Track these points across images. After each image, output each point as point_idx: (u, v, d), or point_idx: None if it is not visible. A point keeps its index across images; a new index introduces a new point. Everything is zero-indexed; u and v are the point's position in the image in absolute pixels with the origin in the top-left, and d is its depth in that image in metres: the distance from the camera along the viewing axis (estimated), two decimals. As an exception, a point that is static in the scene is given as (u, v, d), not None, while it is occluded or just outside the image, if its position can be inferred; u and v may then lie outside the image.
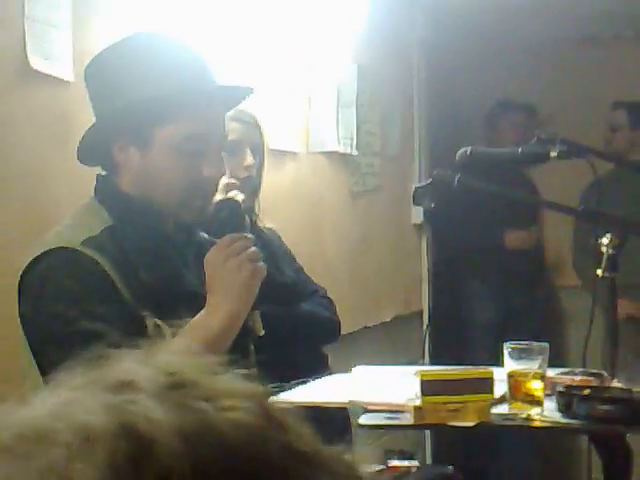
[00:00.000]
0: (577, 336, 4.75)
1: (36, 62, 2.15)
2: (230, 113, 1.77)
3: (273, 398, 1.78)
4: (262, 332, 1.58)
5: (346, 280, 3.49)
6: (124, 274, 1.46)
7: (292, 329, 2.20)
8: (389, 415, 1.40)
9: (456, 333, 4.40)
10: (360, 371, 1.87)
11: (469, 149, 2.03)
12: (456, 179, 1.93)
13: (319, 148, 3.46)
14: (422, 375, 1.41)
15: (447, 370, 1.45)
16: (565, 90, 4.96)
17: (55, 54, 2.21)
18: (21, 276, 1.51)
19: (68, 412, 0.38)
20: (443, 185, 1.96)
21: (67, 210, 2.22)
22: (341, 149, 3.56)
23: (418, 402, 1.35)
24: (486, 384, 1.36)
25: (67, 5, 2.25)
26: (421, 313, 4.35)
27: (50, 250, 1.48)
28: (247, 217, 1.65)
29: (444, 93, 4.52)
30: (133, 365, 0.44)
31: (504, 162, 2.10)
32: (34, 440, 0.36)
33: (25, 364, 1.53)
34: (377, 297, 3.85)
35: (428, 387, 1.36)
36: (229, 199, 1.57)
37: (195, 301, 1.50)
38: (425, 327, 4.32)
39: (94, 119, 1.60)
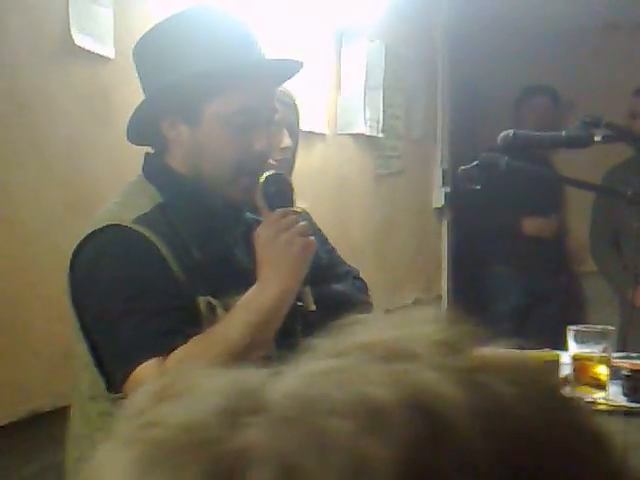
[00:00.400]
0: (598, 321, 4.78)
1: (79, 39, 2.15)
2: None
3: None
4: (313, 307, 1.57)
5: (370, 262, 3.49)
6: (176, 252, 1.45)
7: (325, 310, 2.21)
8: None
9: (476, 318, 4.40)
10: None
11: (511, 132, 2.03)
12: (504, 161, 1.93)
13: (347, 130, 3.46)
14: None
15: (510, 353, 1.45)
16: (587, 76, 4.94)
17: (97, 31, 2.21)
18: (72, 255, 1.50)
19: (344, 380, 0.34)
20: (490, 167, 1.95)
21: (107, 188, 2.24)
22: (367, 131, 3.55)
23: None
24: (552, 367, 1.35)
25: (109, -18, 2.25)
26: (441, 297, 4.35)
27: (102, 228, 1.47)
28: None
29: (467, 78, 4.51)
30: (398, 331, 0.40)
31: (547, 146, 2.08)
32: (311, 411, 0.32)
33: (76, 347, 1.52)
34: (399, 280, 3.85)
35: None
36: (277, 174, 1.55)
37: (245, 279, 1.50)
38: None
39: (143, 97, 1.59)
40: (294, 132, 2.31)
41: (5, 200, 1.99)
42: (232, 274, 1.53)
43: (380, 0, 3.50)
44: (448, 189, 4.33)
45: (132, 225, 1.46)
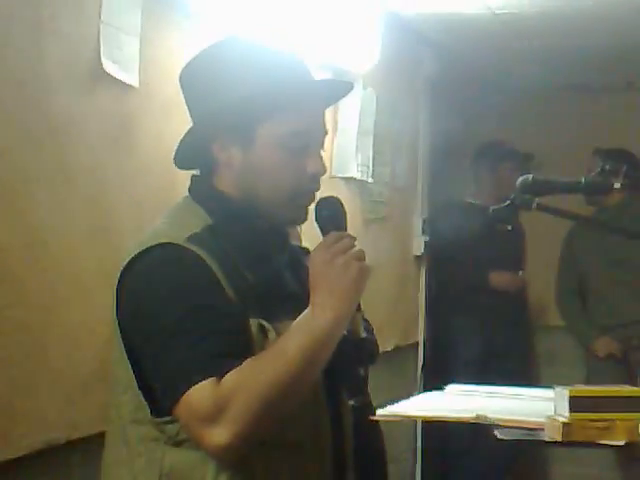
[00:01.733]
0: (559, 375, 4.86)
1: (108, 65, 2.13)
2: None
3: (382, 411, 1.76)
4: (363, 334, 1.54)
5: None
6: (228, 272, 1.42)
7: (342, 347, 2.19)
8: (526, 432, 1.39)
9: (445, 367, 4.43)
10: (455, 389, 1.87)
11: (530, 177, 2.06)
12: (534, 202, 1.95)
13: (340, 173, 3.48)
14: (571, 391, 1.41)
15: (596, 387, 1.45)
16: (555, 135, 5.08)
17: (124, 59, 2.20)
18: (122, 272, 1.46)
19: None
20: (521, 208, 1.98)
21: (126, 218, 2.21)
22: (358, 176, 3.58)
23: (564, 419, 1.35)
24: (636, 403, 1.36)
25: (137, 12, 2.24)
26: (417, 345, 4.36)
27: (153, 246, 1.44)
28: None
29: (445, 130, 4.59)
30: None
31: (566, 191, 2.12)
32: None
33: (116, 369, 1.47)
34: (380, 326, 3.83)
35: (577, 403, 1.36)
36: (330, 197, 1.53)
37: (296, 303, 1.47)
38: (421, 364, 4.34)
39: (190, 123, 1.57)
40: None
41: (32, 224, 1.95)
42: (283, 298, 1.50)
43: (373, 51, 3.54)
44: (427, 238, 4.36)
45: (185, 244, 1.43)
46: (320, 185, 1.53)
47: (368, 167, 3.69)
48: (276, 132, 1.48)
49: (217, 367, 1.34)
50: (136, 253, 1.44)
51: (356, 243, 1.44)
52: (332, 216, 1.49)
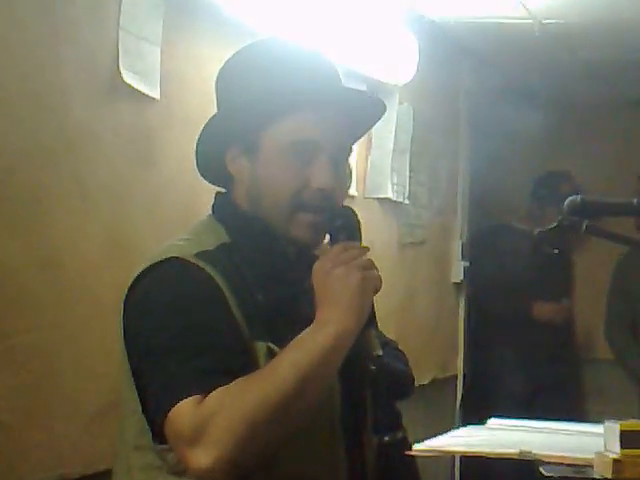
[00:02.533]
0: (608, 411, 4.79)
1: (127, 76, 2.14)
2: None
3: (418, 446, 1.74)
4: (380, 351, 1.50)
5: (390, 334, 3.46)
6: (237, 292, 1.41)
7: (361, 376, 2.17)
8: (574, 469, 1.36)
9: (486, 402, 4.38)
10: (496, 424, 1.84)
11: (579, 197, 2.02)
12: (584, 225, 1.92)
13: (374, 193, 3.47)
14: (622, 426, 1.38)
15: None
16: (599, 156, 5.04)
17: (144, 70, 2.21)
18: (128, 289, 1.45)
19: None
20: (570, 230, 1.94)
21: (147, 237, 2.21)
22: (394, 197, 3.57)
23: (615, 455, 1.32)
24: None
25: (159, 20, 2.25)
26: (456, 378, 4.33)
27: (161, 260, 1.43)
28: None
29: (487, 148, 4.57)
30: None
31: (618, 214, 2.08)
32: None
33: (124, 391, 1.46)
34: (417, 357, 3.81)
35: (628, 439, 1.33)
36: (344, 207, 1.51)
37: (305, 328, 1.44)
38: (460, 398, 4.30)
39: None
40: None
41: (48, 244, 1.95)
42: (296, 322, 1.44)
43: (411, 62, 3.54)
44: (467, 264, 4.33)
45: (193, 259, 1.42)
46: (334, 202, 1.46)
47: (404, 187, 3.68)
48: (278, 139, 1.45)
49: (202, 384, 1.31)
50: (143, 268, 1.44)
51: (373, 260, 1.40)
52: (343, 226, 1.45)
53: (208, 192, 1.59)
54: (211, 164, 1.53)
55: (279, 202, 1.46)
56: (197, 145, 1.52)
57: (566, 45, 4.14)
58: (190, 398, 1.29)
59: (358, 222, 1.48)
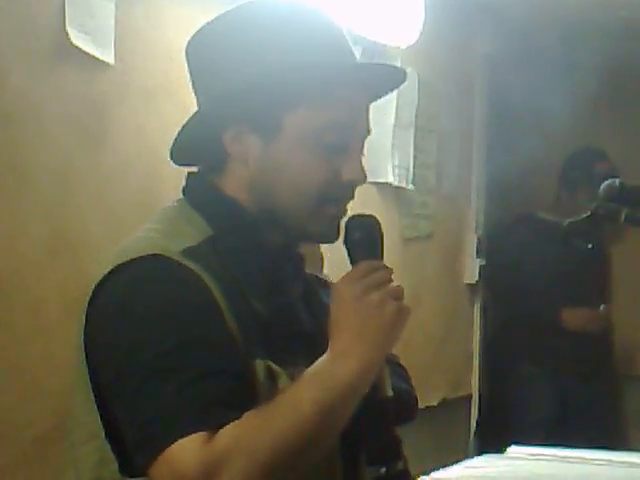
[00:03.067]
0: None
1: (76, 37, 2.15)
2: None
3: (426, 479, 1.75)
4: (390, 392, 1.51)
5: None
6: (231, 299, 1.41)
7: (363, 403, 2.19)
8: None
9: (506, 426, 4.40)
10: (518, 452, 1.86)
11: (617, 181, 2.04)
12: (623, 214, 1.93)
13: (371, 177, 3.46)
14: None
15: None
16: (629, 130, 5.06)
17: (96, 30, 2.22)
18: (94, 292, 1.44)
19: None
20: (606, 220, 1.96)
21: (98, 230, 2.22)
22: (395, 181, 3.58)
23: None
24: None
25: (112, -29, 2.26)
26: (470, 398, 4.36)
27: (136, 259, 1.42)
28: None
29: (508, 124, 4.58)
30: None
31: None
32: None
33: (78, 413, 1.47)
34: (424, 373, 3.83)
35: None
36: (364, 216, 1.52)
37: (312, 345, 1.44)
38: (475, 421, 4.31)
39: (198, 106, 1.57)
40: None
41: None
42: (297, 337, 1.48)
43: (416, 20, 3.54)
44: (483, 261, 4.35)
45: (179, 258, 1.42)
46: (354, 195, 1.51)
47: (408, 170, 3.68)
48: (309, 123, 1.45)
49: (209, 419, 1.31)
50: (114, 267, 1.43)
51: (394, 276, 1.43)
52: (366, 240, 1.47)
53: (175, 177, 1.60)
54: (197, 141, 1.53)
55: (303, 193, 1.47)
56: (189, 121, 1.52)
57: (602, 2, 4.15)
58: (195, 435, 1.30)
59: (382, 235, 1.50)
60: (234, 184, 1.51)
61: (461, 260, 4.32)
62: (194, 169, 1.57)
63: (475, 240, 4.36)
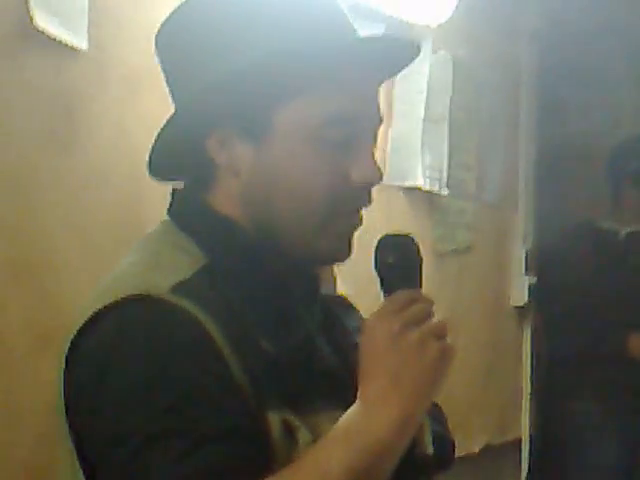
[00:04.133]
0: None
1: (41, 19, 2.15)
2: None
3: None
4: (431, 449, 1.49)
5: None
6: (235, 340, 1.40)
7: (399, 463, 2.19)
8: None
9: (563, 475, 4.40)
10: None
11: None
12: None
13: (398, 181, 3.47)
14: None
15: None
16: None
17: (67, 10, 2.21)
18: (72, 345, 1.43)
19: None
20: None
21: (67, 248, 2.22)
22: (426, 185, 3.58)
23: None
24: None
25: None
26: (519, 444, 4.33)
27: (122, 300, 1.41)
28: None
29: (562, 114, 4.57)
30: None
31: None
32: None
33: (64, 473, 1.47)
34: (463, 413, 3.82)
35: None
36: (400, 235, 1.51)
37: (333, 387, 1.46)
38: (526, 471, 4.30)
39: (175, 108, 1.56)
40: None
41: None
42: (317, 377, 1.47)
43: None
44: (534, 279, 4.33)
45: (170, 297, 1.40)
46: (372, 199, 1.50)
47: (441, 172, 3.67)
48: (304, 118, 1.44)
49: None
50: (93, 313, 1.42)
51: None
52: (402, 265, 1.46)
53: (162, 187, 1.58)
54: (177, 151, 1.52)
55: (306, 204, 1.46)
56: (165, 128, 1.50)
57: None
58: None
59: (421, 260, 1.49)
60: (226, 199, 1.50)
61: (506, 278, 4.31)
62: (179, 184, 1.56)
63: (523, 254, 4.36)
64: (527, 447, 4.37)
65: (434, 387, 1.39)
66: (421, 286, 1.46)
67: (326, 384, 1.47)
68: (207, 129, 1.47)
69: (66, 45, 2.22)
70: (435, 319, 1.40)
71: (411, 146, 3.50)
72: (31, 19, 2.13)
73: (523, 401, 4.39)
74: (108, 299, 1.39)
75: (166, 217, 1.53)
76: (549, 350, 4.47)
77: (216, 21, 1.48)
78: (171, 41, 1.52)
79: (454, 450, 2.50)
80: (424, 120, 3.53)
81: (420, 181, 3.53)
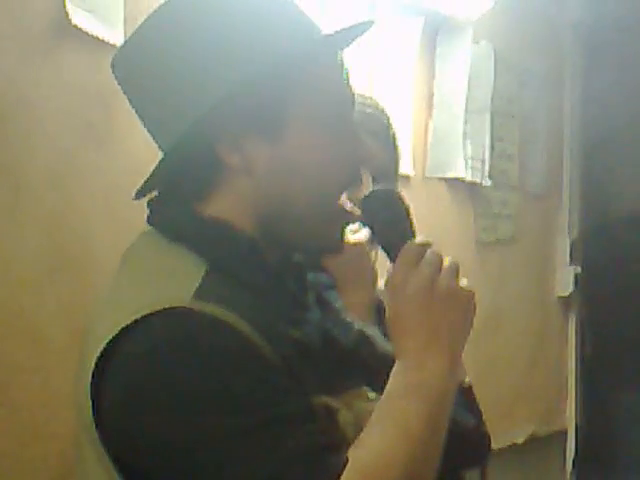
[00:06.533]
0: None
1: (77, 16, 2.17)
2: None
3: None
4: (468, 380, 1.66)
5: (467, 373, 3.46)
6: (266, 334, 1.41)
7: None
8: None
9: (610, 466, 4.38)
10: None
11: None
12: None
13: (439, 172, 3.46)
14: None
15: None
16: None
17: (103, 6, 2.23)
18: (101, 360, 1.42)
19: None
20: None
21: (105, 241, 2.23)
22: (468, 176, 3.58)
23: None
24: None
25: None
26: (565, 434, 4.31)
27: (153, 314, 1.41)
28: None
29: (607, 102, 4.54)
30: None
31: None
32: None
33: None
34: (507, 403, 3.81)
35: None
36: (384, 190, 1.57)
37: (351, 364, 1.53)
38: (571, 462, 4.28)
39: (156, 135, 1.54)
40: (388, 175, 2.26)
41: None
42: (337, 358, 1.53)
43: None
44: (579, 269, 4.31)
45: (195, 304, 1.40)
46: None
47: (483, 162, 3.67)
48: (314, 108, 1.49)
49: (325, 465, 1.35)
50: (118, 331, 1.41)
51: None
52: (394, 216, 1.53)
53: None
54: (176, 166, 1.51)
55: (323, 193, 1.51)
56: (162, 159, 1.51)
57: None
58: None
59: (408, 210, 1.56)
60: (228, 202, 1.51)
61: (551, 268, 4.30)
62: (153, 194, 1.55)
63: (568, 244, 4.34)
64: (573, 437, 4.34)
65: (468, 329, 1.49)
66: (415, 235, 1.53)
67: (346, 363, 1.54)
68: (217, 134, 1.48)
69: (102, 41, 2.23)
70: (448, 261, 1.47)
71: (453, 137, 3.50)
72: (67, 16, 2.14)
73: (568, 392, 4.36)
74: (129, 316, 1.38)
75: (147, 228, 1.53)
76: (594, 340, 4.45)
77: (209, 35, 1.48)
78: (165, 47, 1.51)
79: (489, 442, 2.50)
80: (466, 111, 3.53)
81: (462, 172, 3.53)
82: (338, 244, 1.56)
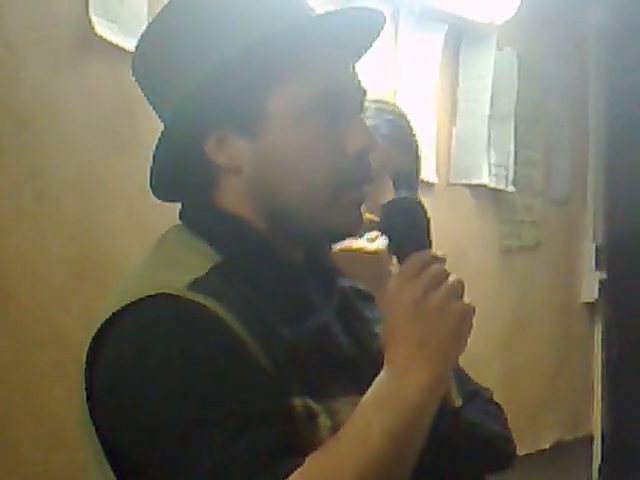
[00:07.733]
0: None
1: (101, 27, 2.18)
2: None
3: None
4: (459, 402, 1.55)
5: (493, 379, 3.44)
6: (255, 331, 1.42)
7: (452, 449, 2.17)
8: None
9: (635, 473, 4.36)
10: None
11: None
12: None
13: (463, 179, 3.46)
14: None
15: None
16: None
17: (126, 16, 2.25)
18: (92, 346, 1.46)
19: None
20: None
21: (130, 247, 2.24)
22: (492, 183, 3.57)
23: None
24: None
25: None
26: (591, 440, 4.30)
27: (139, 301, 1.43)
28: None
29: (631, 107, 4.52)
30: None
31: None
32: None
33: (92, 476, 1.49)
34: (533, 409, 3.80)
35: None
36: (403, 198, 1.52)
37: (350, 374, 1.48)
38: (597, 468, 4.26)
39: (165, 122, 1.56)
40: (409, 181, 2.26)
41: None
42: (335, 364, 1.50)
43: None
44: (604, 275, 4.30)
45: (186, 293, 1.43)
46: (372, 170, 1.53)
47: (507, 169, 3.66)
48: (293, 101, 1.47)
49: (276, 468, 1.34)
50: (113, 312, 1.44)
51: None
52: (412, 227, 1.48)
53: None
54: (181, 164, 1.53)
55: (312, 183, 1.49)
56: (158, 147, 1.53)
57: None
58: None
59: (427, 219, 1.51)
60: (231, 198, 1.52)
61: (576, 274, 4.28)
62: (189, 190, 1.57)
63: (593, 249, 4.32)
64: (599, 443, 4.32)
65: (458, 347, 1.41)
66: (431, 246, 1.47)
67: (343, 371, 1.49)
68: (203, 134, 1.49)
69: (126, 51, 2.24)
70: (451, 278, 1.41)
71: (476, 144, 3.50)
72: (91, 26, 2.16)
73: (594, 398, 4.34)
74: (125, 300, 1.41)
75: (178, 222, 1.55)
76: (620, 346, 4.44)
77: (186, 26, 1.50)
78: (146, 57, 1.54)
79: (514, 448, 2.49)
80: (490, 117, 3.53)
81: (486, 179, 3.53)
82: (350, 227, 1.53)
